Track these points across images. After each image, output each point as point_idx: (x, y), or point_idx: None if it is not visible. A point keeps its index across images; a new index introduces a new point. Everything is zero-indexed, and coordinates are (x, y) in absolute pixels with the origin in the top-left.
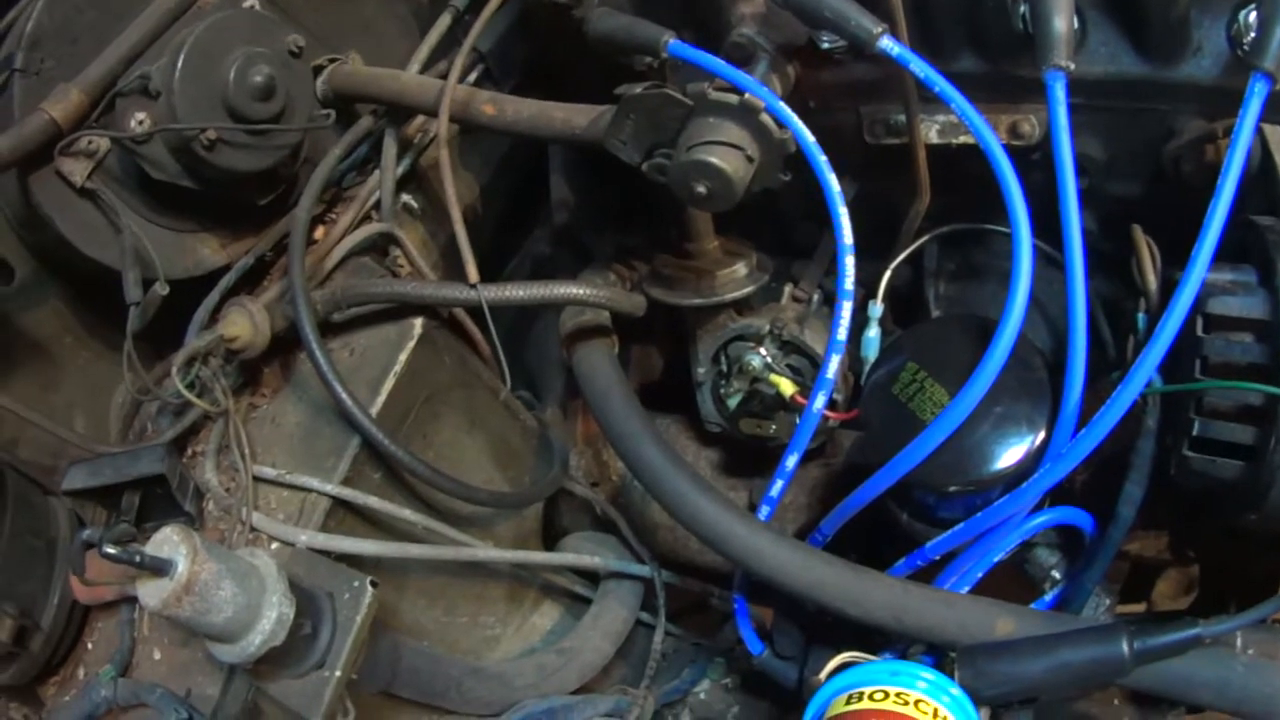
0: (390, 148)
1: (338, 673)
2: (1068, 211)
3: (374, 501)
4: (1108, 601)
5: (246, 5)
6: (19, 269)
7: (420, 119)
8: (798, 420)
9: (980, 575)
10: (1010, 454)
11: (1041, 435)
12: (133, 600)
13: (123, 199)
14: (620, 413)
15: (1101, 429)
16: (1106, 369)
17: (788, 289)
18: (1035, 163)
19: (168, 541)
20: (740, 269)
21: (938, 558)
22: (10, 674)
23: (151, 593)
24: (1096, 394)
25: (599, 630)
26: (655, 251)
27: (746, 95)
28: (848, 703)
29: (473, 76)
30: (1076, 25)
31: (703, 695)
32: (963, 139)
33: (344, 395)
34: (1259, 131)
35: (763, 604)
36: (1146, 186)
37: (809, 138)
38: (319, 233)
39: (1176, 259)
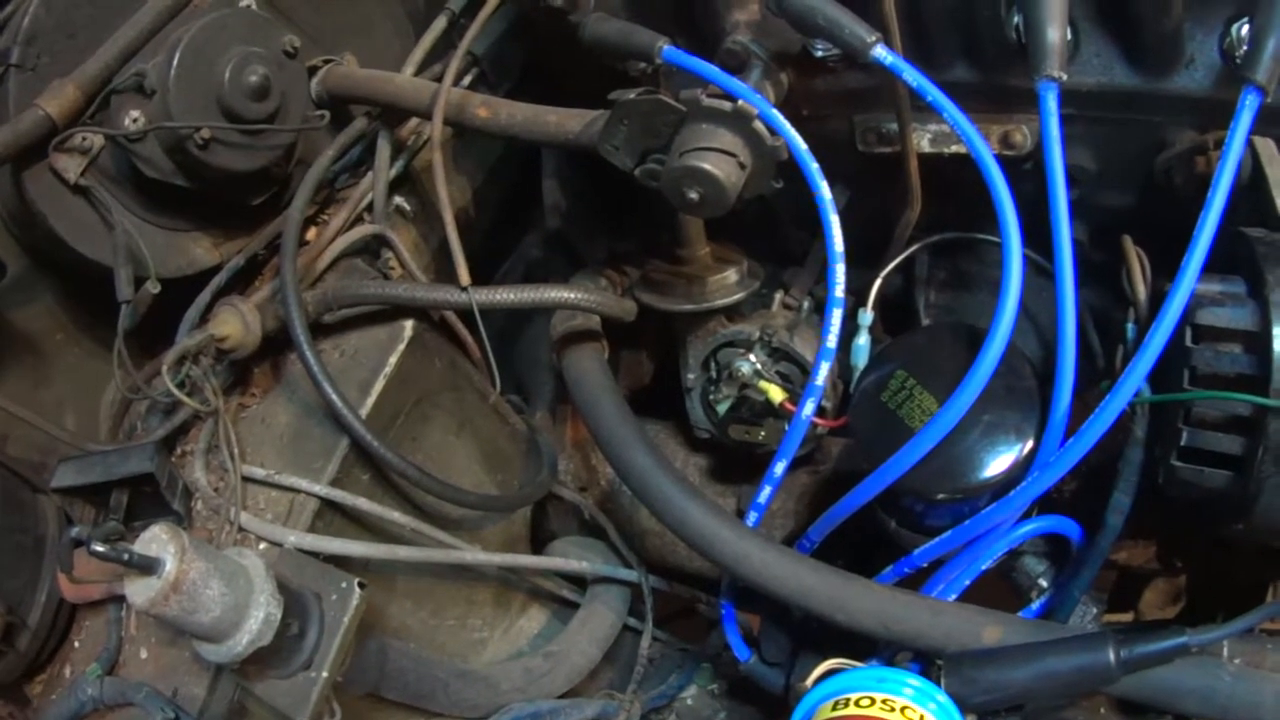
0: (384, 149)
1: (324, 673)
2: (1058, 221)
3: (362, 503)
4: (1095, 610)
5: (243, 5)
6: (11, 265)
7: (414, 122)
8: (787, 427)
9: (968, 583)
10: (999, 462)
11: (1030, 444)
12: (120, 599)
13: (116, 196)
14: (609, 417)
15: (1090, 438)
16: (1095, 379)
17: (778, 296)
18: (1026, 173)
19: (156, 540)
20: (731, 275)
21: (925, 565)
22: None
23: (139, 591)
24: (1085, 404)
25: (586, 635)
26: (647, 257)
27: (740, 102)
28: (834, 709)
29: (467, 80)
30: (1069, 36)
31: (689, 701)
32: (954, 148)
33: (334, 396)
34: (1249, 144)
35: (750, 610)
36: (1137, 197)
37: (801, 145)
38: (311, 234)
39: (1166, 270)
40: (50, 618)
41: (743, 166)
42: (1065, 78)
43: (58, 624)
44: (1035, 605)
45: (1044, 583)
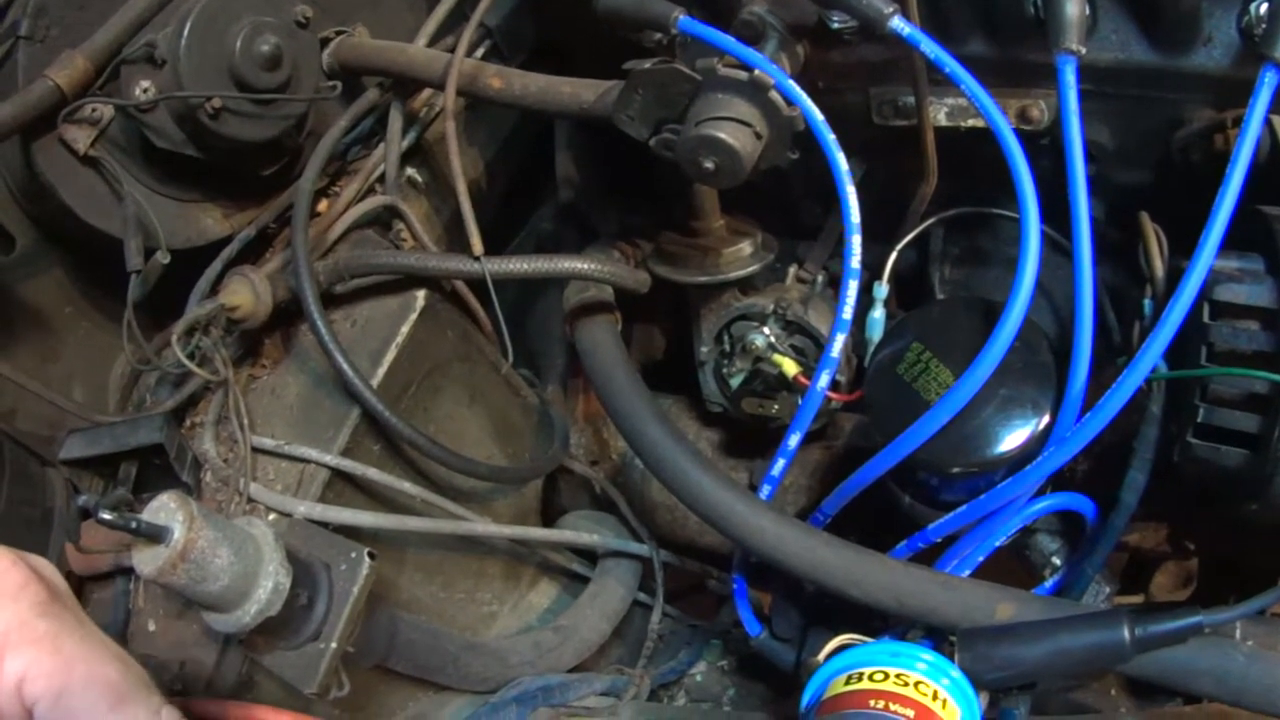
0: (396, 121)
1: (333, 645)
2: (1076, 193)
3: (373, 473)
4: (1107, 589)
5: None
6: (20, 238)
7: (426, 94)
8: (800, 401)
9: (981, 559)
10: (1014, 437)
11: (1046, 419)
12: (128, 572)
13: (126, 167)
14: (622, 389)
15: (1106, 413)
16: (1111, 356)
17: (792, 270)
18: (1043, 149)
19: (164, 508)
20: (745, 248)
21: (939, 540)
22: None
23: (147, 560)
24: (1100, 383)
25: (596, 609)
26: (660, 229)
27: (756, 72)
28: (847, 683)
29: (480, 52)
30: (1088, 11)
31: (699, 677)
32: (971, 122)
33: (345, 365)
34: (1268, 122)
35: (761, 587)
36: (1154, 175)
37: (818, 115)
38: (322, 205)
39: (1182, 249)
40: None
41: (759, 136)
42: (1084, 51)
43: None
44: (1048, 583)
45: (1057, 561)
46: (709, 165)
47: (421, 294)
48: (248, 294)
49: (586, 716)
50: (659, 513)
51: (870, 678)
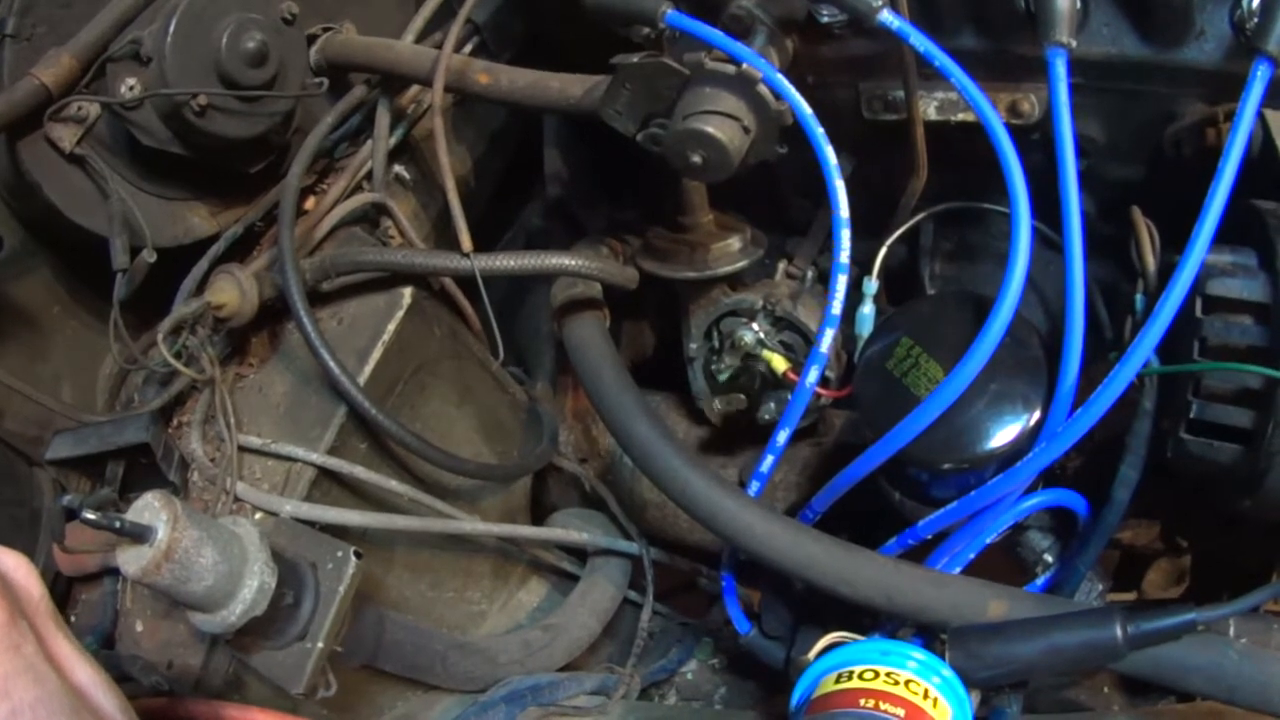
0: (383, 117)
1: (320, 644)
2: (1067, 187)
3: (360, 472)
4: (1100, 587)
5: None
6: (7, 239)
7: (414, 91)
8: (789, 397)
9: (972, 556)
10: (1005, 432)
11: (1037, 414)
12: (115, 573)
13: (112, 166)
14: (610, 385)
15: (1098, 409)
16: (1103, 351)
17: (782, 265)
18: (1034, 143)
19: (148, 508)
20: (734, 243)
21: (929, 537)
22: None
23: (131, 560)
24: (1092, 379)
25: (586, 607)
26: (649, 225)
27: (744, 65)
28: (837, 681)
29: (468, 49)
30: (1079, 4)
31: (689, 675)
32: (961, 116)
33: (331, 363)
34: (1260, 116)
35: (751, 585)
36: (1146, 169)
37: (806, 109)
38: (309, 203)
39: (1175, 244)
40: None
41: (746, 130)
42: (1075, 45)
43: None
44: (1040, 581)
45: (1049, 558)
46: (696, 160)
47: (408, 291)
48: (234, 292)
49: (576, 715)
50: (648, 510)
51: (860, 676)
